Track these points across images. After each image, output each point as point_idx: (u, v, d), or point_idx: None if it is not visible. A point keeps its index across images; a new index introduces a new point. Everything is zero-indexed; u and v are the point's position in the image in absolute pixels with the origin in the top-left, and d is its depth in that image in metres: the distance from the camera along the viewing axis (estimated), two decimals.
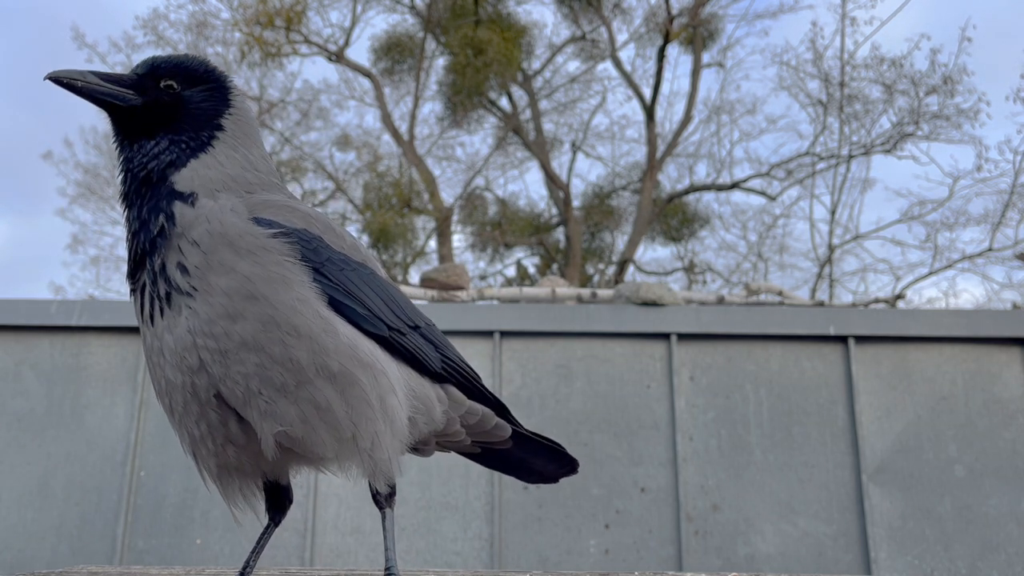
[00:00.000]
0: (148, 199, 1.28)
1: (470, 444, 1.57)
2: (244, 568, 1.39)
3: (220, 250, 1.22)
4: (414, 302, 1.60)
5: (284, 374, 1.20)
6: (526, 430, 1.59)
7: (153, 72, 1.34)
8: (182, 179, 1.29)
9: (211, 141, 1.34)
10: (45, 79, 1.26)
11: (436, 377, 1.41)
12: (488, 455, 1.62)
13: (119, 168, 1.34)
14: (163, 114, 1.33)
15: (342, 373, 1.22)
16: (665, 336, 4.67)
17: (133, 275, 1.30)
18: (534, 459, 1.63)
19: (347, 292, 1.28)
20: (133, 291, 1.30)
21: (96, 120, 15.93)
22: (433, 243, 15.34)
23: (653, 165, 14.99)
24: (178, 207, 1.26)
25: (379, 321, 1.31)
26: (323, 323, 1.23)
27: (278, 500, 1.40)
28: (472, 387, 1.48)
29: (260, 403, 1.21)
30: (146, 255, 1.27)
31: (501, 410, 1.55)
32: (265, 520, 1.41)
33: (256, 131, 1.44)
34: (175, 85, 1.34)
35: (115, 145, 1.36)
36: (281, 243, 1.25)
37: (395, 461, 1.29)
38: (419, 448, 1.52)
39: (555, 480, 1.66)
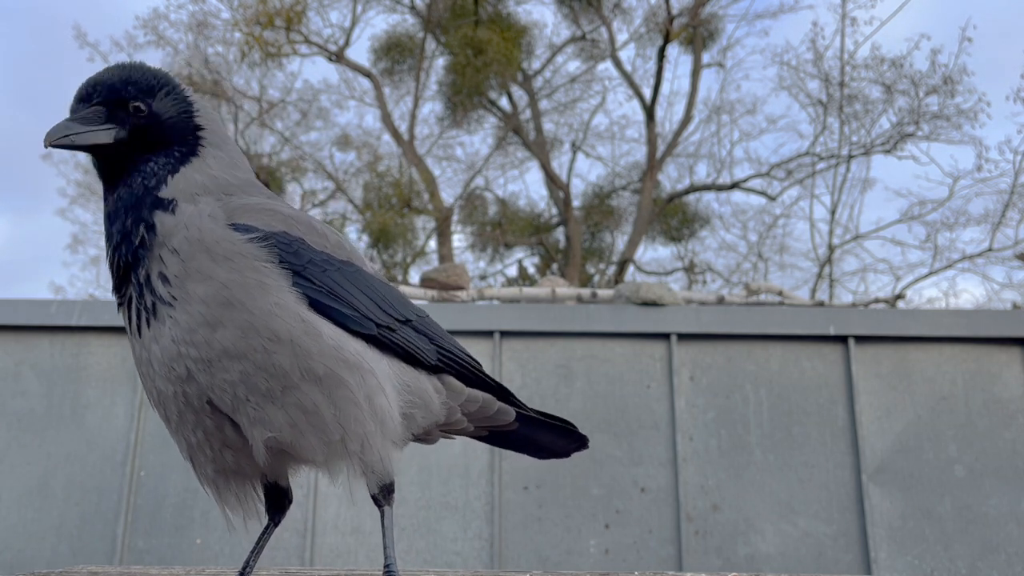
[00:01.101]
0: (131, 210, 1.28)
1: (474, 429, 1.56)
2: (244, 568, 1.39)
3: (198, 257, 1.22)
4: (414, 302, 1.60)
5: (269, 380, 1.19)
6: (532, 411, 1.58)
7: (116, 97, 1.31)
8: (165, 187, 1.29)
9: (199, 143, 1.34)
10: (47, 147, 1.27)
11: (433, 368, 1.40)
12: (496, 436, 1.62)
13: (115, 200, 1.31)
14: (147, 136, 1.32)
15: (328, 375, 1.21)
16: (665, 336, 4.67)
17: (119, 288, 1.30)
18: (542, 437, 1.62)
19: (330, 293, 1.27)
20: (120, 304, 1.30)
21: None
22: (433, 243, 15.35)
23: (653, 165, 15.00)
24: (159, 216, 1.26)
25: (366, 319, 1.29)
26: (304, 326, 1.21)
27: (277, 500, 1.40)
28: (471, 375, 1.47)
29: (249, 410, 1.21)
30: (130, 268, 1.26)
31: (503, 394, 1.53)
32: (263, 520, 1.40)
33: (222, 122, 1.43)
34: (142, 106, 1.32)
35: (111, 182, 1.32)
36: (258, 248, 1.24)
37: (387, 461, 1.28)
38: (422, 438, 1.51)
39: (566, 455, 1.65)
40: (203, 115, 1.37)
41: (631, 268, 15.24)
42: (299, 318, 1.22)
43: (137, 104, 1.31)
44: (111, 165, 1.31)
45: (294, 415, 1.20)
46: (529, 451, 1.66)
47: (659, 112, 15.57)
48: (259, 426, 1.21)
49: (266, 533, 1.42)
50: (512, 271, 16.14)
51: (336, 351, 1.23)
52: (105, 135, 1.29)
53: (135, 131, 1.30)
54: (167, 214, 1.26)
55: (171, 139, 1.33)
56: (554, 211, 16.03)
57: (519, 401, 1.56)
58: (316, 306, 1.25)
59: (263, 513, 1.39)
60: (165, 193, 1.28)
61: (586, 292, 6.31)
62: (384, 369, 1.30)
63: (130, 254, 1.26)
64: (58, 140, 1.26)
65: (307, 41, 14.94)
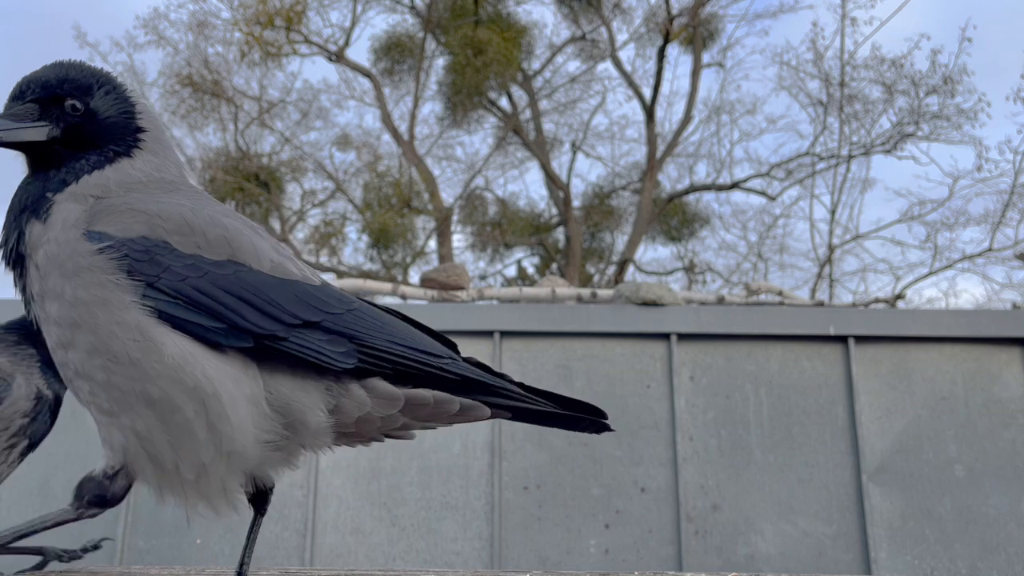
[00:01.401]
0: (16, 213, 1.22)
1: (450, 423, 1.34)
2: (240, 564, 1.36)
3: (52, 275, 1.16)
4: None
5: (108, 401, 1.14)
6: (530, 399, 1.31)
7: (50, 94, 1.26)
8: (75, 184, 1.23)
9: (136, 145, 1.29)
10: None
11: (357, 372, 1.21)
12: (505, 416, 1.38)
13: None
14: (82, 135, 1.26)
15: (162, 400, 1.11)
16: (665, 336, 4.67)
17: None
18: (551, 421, 1.37)
19: (188, 304, 1.14)
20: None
21: None
22: (433, 243, 15.35)
23: (653, 165, 15.00)
24: (30, 225, 1.20)
25: (237, 331, 1.15)
26: (144, 345, 1.11)
27: (258, 492, 1.33)
28: (422, 372, 1.24)
29: (101, 429, 1.18)
30: (16, 276, 1.22)
31: (475, 388, 1.28)
32: (240, 512, 1.33)
33: (165, 127, 1.39)
34: (78, 104, 1.26)
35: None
36: (106, 260, 1.14)
37: (231, 490, 1.19)
38: (397, 435, 1.31)
39: (597, 432, 1.38)
40: (146, 117, 1.31)
41: (631, 268, 15.26)
42: (139, 337, 1.11)
43: (73, 102, 1.26)
44: (45, 165, 1.25)
45: (128, 438, 1.14)
46: (552, 426, 1.40)
47: (659, 112, 15.60)
48: (106, 445, 1.17)
49: (254, 525, 1.36)
50: (512, 271, 16.16)
51: (175, 373, 1.11)
52: (37, 132, 1.23)
53: (69, 129, 1.25)
54: (38, 223, 1.19)
55: (108, 139, 1.27)
56: (554, 211, 16.05)
57: (509, 390, 1.30)
58: (169, 320, 1.13)
59: (241, 506, 1.32)
60: (58, 196, 1.21)
61: (586, 292, 6.31)
62: (240, 391, 1.14)
63: (8, 260, 1.22)
64: None
65: (307, 41, 14.94)
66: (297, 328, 1.17)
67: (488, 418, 1.32)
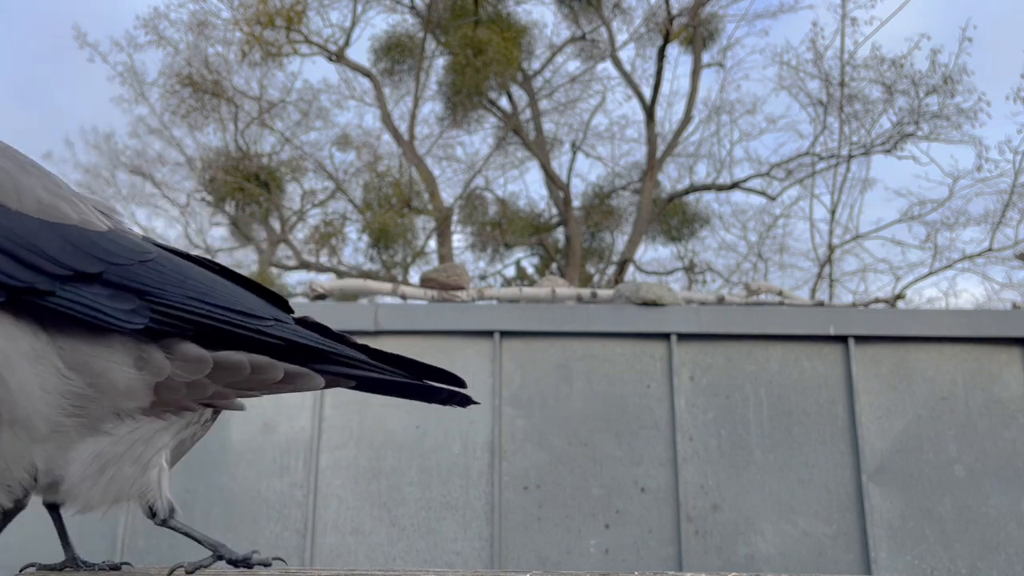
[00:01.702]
0: None
1: (269, 392, 1.17)
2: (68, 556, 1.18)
3: None
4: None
5: None
6: (367, 369, 1.15)
7: None
8: None
9: None
10: None
11: (155, 333, 1.05)
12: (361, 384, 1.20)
13: None
14: None
15: None
16: (665, 336, 4.67)
17: None
18: (403, 392, 1.21)
19: None
20: None
21: (96, 120, 15.95)
22: (433, 243, 15.35)
23: (653, 165, 15.00)
24: None
25: None
26: None
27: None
28: (233, 334, 1.08)
29: None
30: None
31: (307, 354, 1.12)
32: None
33: None
34: None
35: None
36: None
37: (19, 470, 1.03)
38: (213, 402, 1.15)
39: (460, 404, 1.22)
40: None
41: (631, 268, 15.26)
42: None
43: None
44: None
45: None
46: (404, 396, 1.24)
47: (659, 112, 15.58)
48: None
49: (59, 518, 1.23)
50: (512, 271, 16.17)
51: None
52: None
53: None
54: None
55: None
56: (554, 211, 16.04)
57: (348, 357, 1.14)
58: None
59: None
60: None
61: (586, 292, 6.31)
62: (16, 348, 0.98)
63: None
64: None
65: (307, 41, 14.94)
66: (69, 281, 1.00)
67: (325, 387, 1.16)
